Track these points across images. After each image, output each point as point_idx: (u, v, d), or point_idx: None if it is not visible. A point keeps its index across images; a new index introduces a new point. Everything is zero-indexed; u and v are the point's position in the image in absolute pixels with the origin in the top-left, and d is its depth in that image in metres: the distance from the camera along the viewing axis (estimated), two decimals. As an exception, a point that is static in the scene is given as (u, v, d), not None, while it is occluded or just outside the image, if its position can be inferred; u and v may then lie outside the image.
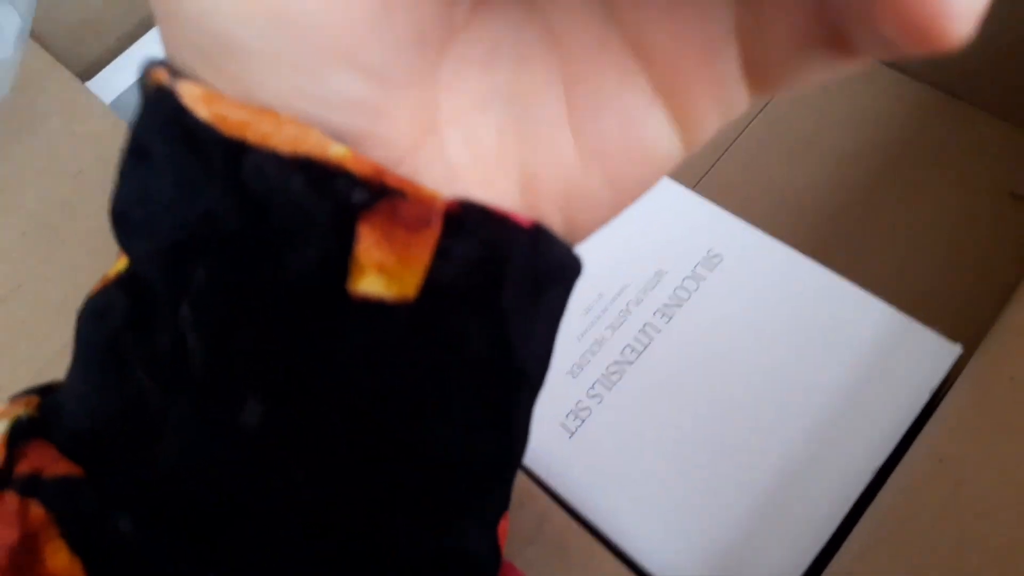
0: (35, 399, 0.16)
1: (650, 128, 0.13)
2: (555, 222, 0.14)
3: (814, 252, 0.33)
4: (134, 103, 0.37)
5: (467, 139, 0.14)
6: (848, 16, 0.11)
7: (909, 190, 0.42)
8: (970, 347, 0.29)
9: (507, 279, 0.13)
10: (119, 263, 0.14)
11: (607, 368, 0.32)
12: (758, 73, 0.13)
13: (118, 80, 0.47)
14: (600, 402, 0.31)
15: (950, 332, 0.30)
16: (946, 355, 0.29)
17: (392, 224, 0.12)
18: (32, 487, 0.14)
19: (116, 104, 0.45)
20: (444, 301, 0.13)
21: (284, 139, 0.12)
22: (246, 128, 0.12)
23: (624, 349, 0.32)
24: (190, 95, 0.12)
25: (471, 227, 0.13)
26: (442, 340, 0.13)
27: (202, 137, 0.12)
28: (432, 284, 0.12)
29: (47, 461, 0.14)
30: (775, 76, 0.12)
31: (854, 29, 0.11)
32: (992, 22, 0.41)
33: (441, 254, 0.12)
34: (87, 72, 0.47)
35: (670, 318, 0.32)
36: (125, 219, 0.13)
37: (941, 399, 0.28)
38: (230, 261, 0.12)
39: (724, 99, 0.13)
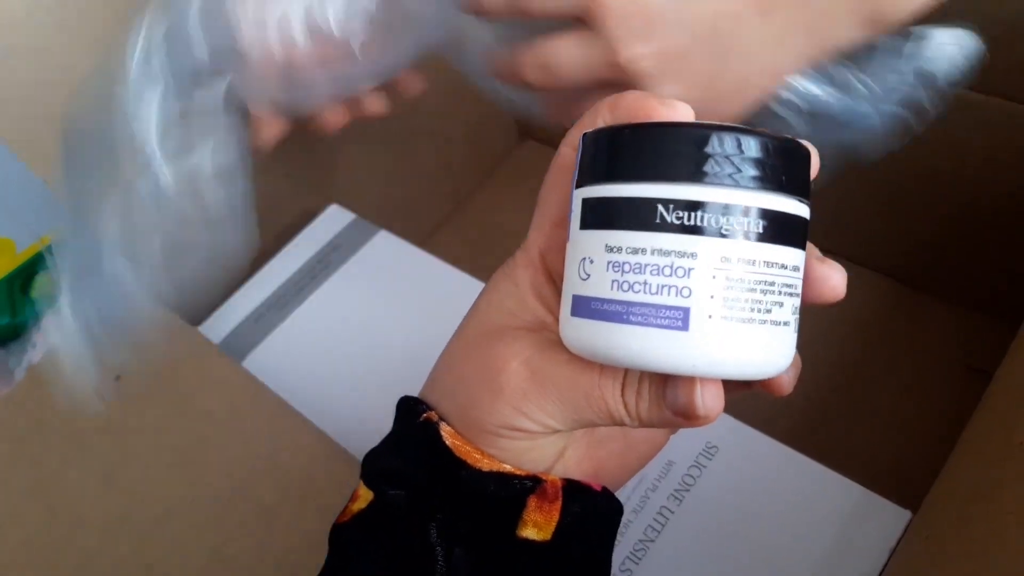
0: None
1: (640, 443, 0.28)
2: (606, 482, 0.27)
3: (791, 432, 0.42)
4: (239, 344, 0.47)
5: (573, 458, 0.26)
6: None
7: (876, 369, 0.51)
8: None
9: (590, 522, 0.26)
10: (357, 503, 0.26)
11: (633, 547, 0.39)
12: None
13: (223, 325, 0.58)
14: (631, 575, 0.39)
15: (914, 496, 0.37)
16: (899, 520, 0.37)
17: (541, 500, 0.25)
18: None
19: (224, 345, 0.57)
20: (564, 538, 0.25)
21: (483, 464, 0.25)
22: (467, 456, 0.25)
23: (646, 529, 0.40)
24: (445, 430, 0.25)
25: (575, 495, 0.25)
26: (563, 561, 0.25)
27: (442, 451, 0.25)
28: (558, 531, 0.25)
29: None
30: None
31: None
32: (942, 222, 0.50)
33: (563, 514, 0.25)
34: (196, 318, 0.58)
35: (681, 501, 0.40)
36: (382, 472, 0.26)
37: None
38: (455, 516, 0.24)
39: None
